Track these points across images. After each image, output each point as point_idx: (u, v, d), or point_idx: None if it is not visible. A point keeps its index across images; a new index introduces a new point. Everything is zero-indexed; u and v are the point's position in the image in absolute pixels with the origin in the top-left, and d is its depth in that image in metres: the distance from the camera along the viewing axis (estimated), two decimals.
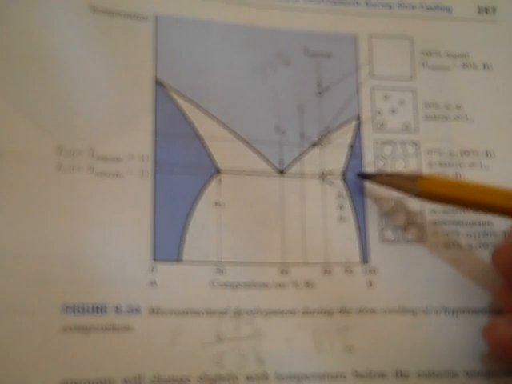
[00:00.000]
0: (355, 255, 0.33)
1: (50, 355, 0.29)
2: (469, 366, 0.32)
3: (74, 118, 0.32)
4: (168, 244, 0.31)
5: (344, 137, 0.34)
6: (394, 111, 0.35)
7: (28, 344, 0.29)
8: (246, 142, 0.33)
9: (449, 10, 0.37)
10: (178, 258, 0.31)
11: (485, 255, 0.33)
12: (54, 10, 0.32)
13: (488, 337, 0.31)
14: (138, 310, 0.30)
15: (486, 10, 0.37)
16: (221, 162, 0.33)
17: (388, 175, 0.33)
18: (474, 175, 0.34)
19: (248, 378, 0.30)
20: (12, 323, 0.29)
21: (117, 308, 0.30)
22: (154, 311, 0.30)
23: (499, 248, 0.31)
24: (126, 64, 0.33)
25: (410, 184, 0.32)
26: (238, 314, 0.31)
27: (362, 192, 0.34)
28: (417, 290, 0.33)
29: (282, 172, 0.33)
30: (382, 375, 0.31)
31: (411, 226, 0.34)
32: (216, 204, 0.32)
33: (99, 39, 0.33)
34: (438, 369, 0.32)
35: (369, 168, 0.34)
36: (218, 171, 0.33)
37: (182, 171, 0.32)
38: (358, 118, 0.35)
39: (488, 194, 0.30)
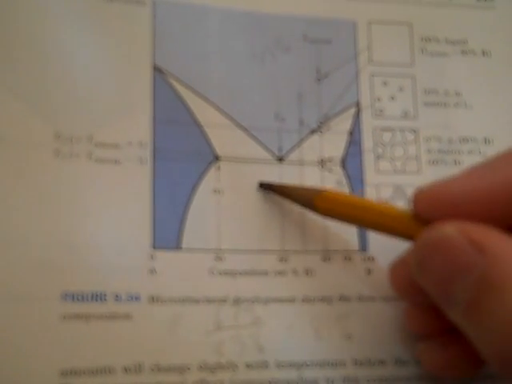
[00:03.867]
0: (354, 243, 0.33)
1: (49, 343, 0.29)
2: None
3: (72, 105, 0.31)
4: (167, 232, 0.31)
5: (343, 123, 0.34)
6: (393, 98, 0.35)
7: (27, 332, 0.29)
8: (245, 129, 0.33)
9: None
10: (177, 246, 0.31)
11: None
12: None
13: (424, 361, 0.30)
14: (137, 298, 0.30)
15: None
16: (220, 149, 0.33)
17: (288, 187, 0.32)
18: (472, 162, 0.34)
19: (248, 365, 0.30)
20: (11, 311, 0.29)
21: (116, 296, 0.30)
22: (153, 299, 0.30)
23: (394, 266, 0.30)
24: (124, 50, 0.32)
25: (308, 200, 0.31)
26: (238, 301, 0.31)
27: (361, 179, 0.34)
28: None
29: (280, 159, 0.33)
30: (382, 363, 0.31)
31: None
32: (215, 191, 0.32)
33: (97, 24, 0.32)
34: None
35: (368, 155, 0.34)
36: (216, 158, 0.32)
37: (180, 158, 0.32)
38: (358, 104, 0.35)
39: (382, 215, 0.28)
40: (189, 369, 0.30)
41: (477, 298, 0.23)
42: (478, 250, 0.23)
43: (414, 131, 0.35)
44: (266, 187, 0.33)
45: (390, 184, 0.34)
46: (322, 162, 0.34)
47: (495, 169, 0.26)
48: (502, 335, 0.22)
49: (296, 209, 0.32)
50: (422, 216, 0.27)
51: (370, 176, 0.34)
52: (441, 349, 0.29)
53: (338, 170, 0.34)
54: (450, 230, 0.24)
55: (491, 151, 0.35)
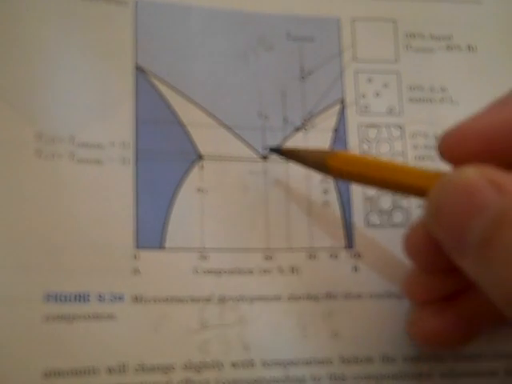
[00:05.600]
0: (340, 240, 0.33)
1: (32, 344, 0.29)
2: (456, 350, 0.32)
3: (54, 105, 0.31)
4: (151, 231, 0.31)
5: (328, 121, 0.34)
6: (378, 94, 0.35)
7: (10, 333, 0.28)
8: (229, 128, 0.33)
9: None
10: (160, 246, 0.31)
11: None
12: None
13: (414, 333, 0.30)
14: (121, 298, 0.30)
15: None
16: (203, 148, 0.33)
17: (299, 151, 0.32)
18: None
19: (233, 364, 0.30)
20: None
21: (100, 296, 0.30)
22: (137, 299, 0.30)
23: (409, 231, 0.30)
24: (105, 50, 0.32)
25: (320, 161, 0.31)
26: (223, 300, 0.31)
27: None
28: (402, 275, 0.32)
29: (265, 157, 0.33)
30: (369, 360, 0.31)
31: (396, 209, 0.33)
32: (199, 190, 0.32)
33: (79, 24, 0.32)
34: (424, 353, 0.32)
35: (353, 151, 0.34)
36: (200, 157, 0.32)
37: (163, 158, 0.32)
38: (342, 101, 0.34)
39: (399, 172, 0.28)
40: (174, 368, 0.30)
41: (491, 234, 0.23)
42: (497, 189, 0.23)
43: (400, 127, 0.35)
44: (275, 151, 0.33)
45: None
46: None
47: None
48: None
49: (280, 205, 0.32)
50: (448, 158, 0.28)
51: None
52: (434, 316, 0.29)
53: None
54: (471, 171, 0.25)
55: None
